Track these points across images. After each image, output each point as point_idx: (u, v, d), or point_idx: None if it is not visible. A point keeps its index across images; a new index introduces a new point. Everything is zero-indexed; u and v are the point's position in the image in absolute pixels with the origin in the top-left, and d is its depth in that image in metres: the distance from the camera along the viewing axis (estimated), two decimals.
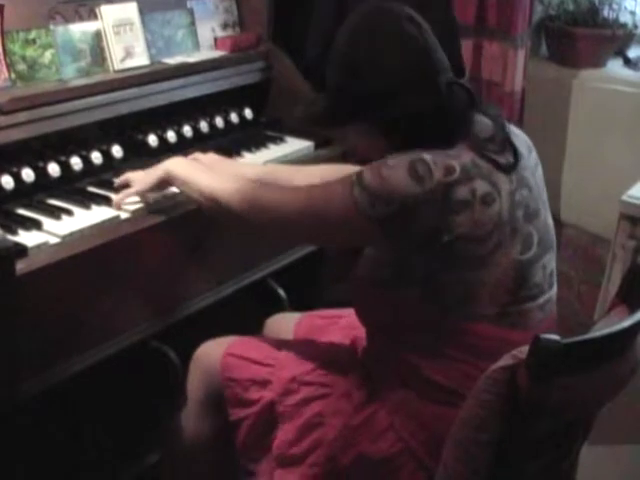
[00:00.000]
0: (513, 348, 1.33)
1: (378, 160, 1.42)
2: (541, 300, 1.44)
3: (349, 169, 1.81)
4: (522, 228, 1.40)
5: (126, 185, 1.77)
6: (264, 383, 1.60)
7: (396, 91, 1.40)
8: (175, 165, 1.70)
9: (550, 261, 1.47)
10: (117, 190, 1.80)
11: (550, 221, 1.50)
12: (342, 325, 1.75)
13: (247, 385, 1.62)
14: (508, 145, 1.42)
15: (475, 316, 1.38)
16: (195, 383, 1.72)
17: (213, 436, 1.71)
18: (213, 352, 1.70)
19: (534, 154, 1.51)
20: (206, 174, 1.64)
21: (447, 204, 1.33)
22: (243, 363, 1.65)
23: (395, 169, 1.35)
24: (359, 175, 1.39)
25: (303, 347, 1.70)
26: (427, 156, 1.35)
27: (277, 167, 1.91)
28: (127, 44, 2.05)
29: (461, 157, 1.37)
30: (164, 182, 1.70)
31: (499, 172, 1.39)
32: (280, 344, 1.71)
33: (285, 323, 1.88)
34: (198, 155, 1.95)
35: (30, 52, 1.85)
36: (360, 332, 1.61)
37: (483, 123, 1.44)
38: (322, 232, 1.49)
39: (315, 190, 1.47)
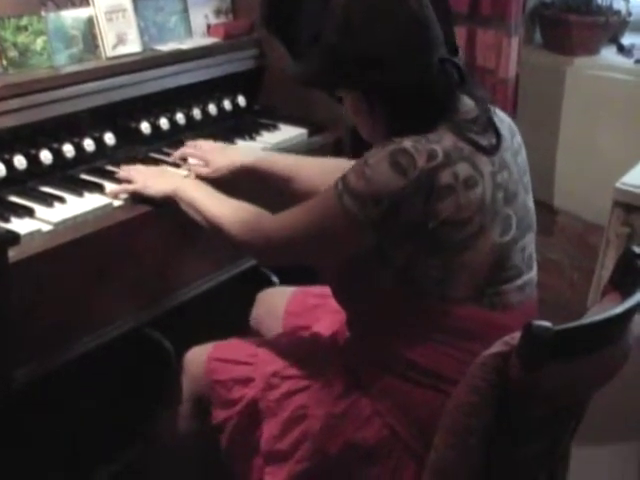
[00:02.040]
0: (493, 328, 1.36)
1: (364, 133, 1.45)
2: (519, 282, 1.43)
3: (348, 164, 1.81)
4: (501, 210, 1.39)
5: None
6: (246, 381, 1.60)
7: (384, 59, 1.37)
8: (183, 186, 1.68)
9: (529, 243, 1.47)
10: (115, 179, 1.80)
11: (530, 204, 1.49)
12: (333, 307, 1.74)
13: (230, 385, 1.61)
14: (490, 127, 1.41)
15: (451, 298, 1.38)
16: (184, 390, 1.72)
17: (201, 442, 1.70)
18: (198, 358, 1.69)
19: (518, 137, 1.50)
20: (212, 200, 1.63)
21: (432, 190, 1.32)
22: (226, 365, 1.64)
23: (377, 166, 1.34)
24: (344, 181, 1.37)
25: (284, 342, 1.70)
26: (407, 143, 1.34)
27: (279, 157, 1.88)
28: (119, 31, 2.05)
29: (442, 141, 1.35)
30: (168, 199, 1.69)
31: (481, 154, 1.37)
32: (262, 342, 1.71)
33: (277, 298, 1.89)
34: (199, 142, 1.94)
35: (22, 39, 1.85)
36: None
37: (467, 104, 1.43)
38: (323, 251, 1.47)
39: (308, 210, 1.45)
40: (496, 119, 1.44)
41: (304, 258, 1.56)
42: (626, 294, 1.33)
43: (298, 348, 1.65)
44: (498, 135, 1.41)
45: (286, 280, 2.15)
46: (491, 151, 1.39)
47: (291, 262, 1.64)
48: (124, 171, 1.81)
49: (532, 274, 1.48)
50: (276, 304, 1.86)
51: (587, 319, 1.26)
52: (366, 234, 1.36)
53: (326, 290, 1.80)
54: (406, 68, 1.37)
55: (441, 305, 1.38)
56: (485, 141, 1.39)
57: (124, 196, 1.74)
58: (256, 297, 1.94)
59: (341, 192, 1.36)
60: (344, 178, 1.38)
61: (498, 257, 1.39)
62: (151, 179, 1.74)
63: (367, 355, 1.50)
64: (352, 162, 1.67)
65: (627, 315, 1.26)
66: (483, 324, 1.39)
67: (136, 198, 1.73)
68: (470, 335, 1.38)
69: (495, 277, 1.40)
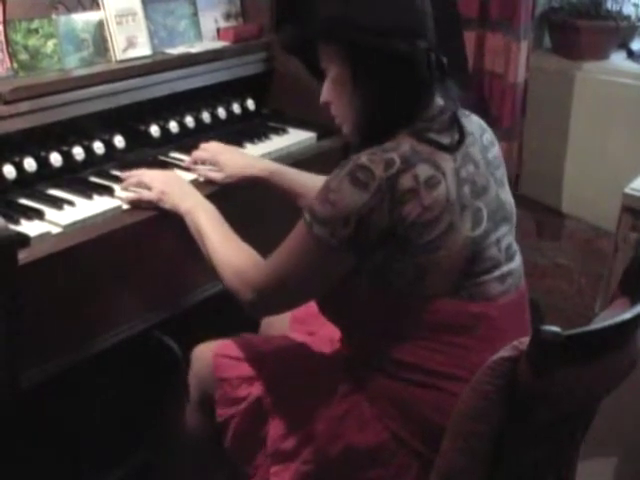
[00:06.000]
0: (476, 320, 1.38)
1: (339, 113, 1.49)
2: (497, 273, 1.43)
3: None
4: (471, 204, 1.39)
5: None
6: (251, 379, 1.61)
7: (377, 25, 1.37)
8: (197, 212, 1.65)
9: (506, 235, 1.46)
10: (122, 180, 1.79)
11: (505, 197, 1.49)
12: None
13: (236, 383, 1.62)
14: (455, 123, 1.43)
15: (428, 295, 1.38)
16: (192, 386, 1.73)
17: (210, 437, 1.70)
18: (205, 355, 1.70)
19: (488, 135, 1.52)
20: (216, 237, 1.60)
21: (394, 197, 1.32)
22: (232, 362, 1.64)
23: (339, 188, 1.34)
24: (311, 211, 1.37)
25: (290, 343, 1.70)
26: (364, 158, 1.34)
27: (291, 172, 1.87)
28: (129, 34, 2.05)
29: (399, 147, 1.36)
30: (179, 215, 1.68)
31: (442, 152, 1.38)
32: (268, 341, 1.72)
33: None
34: (204, 145, 1.94)
35: (32, 42, 1.85)
36: None
37: (437, 102, 1.44)
38: (312, 288, 1.46)
39: (285, 254, 1.44)
40: (464, 118, 1.46)
41: (296, 300, 1.55)
42: (635, 299, 1.33)
43: (302, 350, 1.66)
44: (461, 131, 1.42)
45: None
46: (453, 148, 1.40)
47: (285, 308, 1.64)
48: (137, 176, 1.77)
49: (513, 265, 1.47)
50: (282, 315, 1.86)
51: (596, 324, 1.26)
52: (344, 256, 1.37)
53: None
54: (395, 38, 1.37)
55: (418, 302, 1.39)
56: (447, 139, 1.41)
57: (132, 196, 1.74)
58: None
59: (310, 223, 1.37)
60: (310, 209, 1.38)
61: (471, 251, 1.39)
62: (168, 191, 1.71)
63: (361, 357, 1.50)
64: None
65: (636, 321, 1.26)
66: (464, 316, 1.39)
67: (144, 203, 1.74)
68: (452, 328, 1.39)
69: (471, 270, 1.39)
